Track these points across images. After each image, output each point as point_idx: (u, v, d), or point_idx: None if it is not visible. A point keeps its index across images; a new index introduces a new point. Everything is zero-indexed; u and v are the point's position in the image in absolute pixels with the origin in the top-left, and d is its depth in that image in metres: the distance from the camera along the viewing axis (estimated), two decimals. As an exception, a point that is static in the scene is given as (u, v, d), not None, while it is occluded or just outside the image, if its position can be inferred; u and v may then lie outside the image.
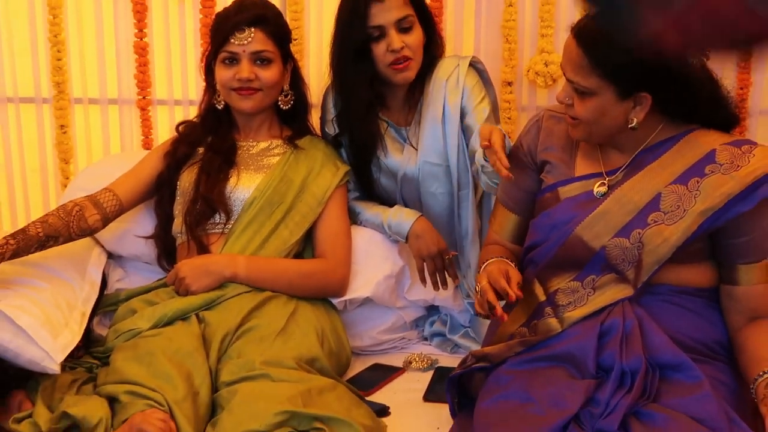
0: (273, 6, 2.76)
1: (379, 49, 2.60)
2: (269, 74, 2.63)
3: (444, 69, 2.76)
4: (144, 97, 3.35)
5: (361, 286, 2.65)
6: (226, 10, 2.70)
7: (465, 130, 2.72)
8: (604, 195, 2.12)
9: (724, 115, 2.13)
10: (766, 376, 1.96)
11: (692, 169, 2.05)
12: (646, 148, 2.12)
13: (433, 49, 2.76)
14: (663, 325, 2.06)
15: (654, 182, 2.08)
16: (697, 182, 2.03)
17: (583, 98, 2.05)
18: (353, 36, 2.63)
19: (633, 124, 2.05)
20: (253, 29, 2.59)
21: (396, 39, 2.59)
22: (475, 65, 2.77)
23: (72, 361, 2.43)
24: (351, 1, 2.64)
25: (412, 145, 2.75)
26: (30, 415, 2.23)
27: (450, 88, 2.72)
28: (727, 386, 2.04)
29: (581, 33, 2.03)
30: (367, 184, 2.80)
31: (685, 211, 2.02)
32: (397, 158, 2.75)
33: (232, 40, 2.58)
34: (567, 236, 2.14)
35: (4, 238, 2.47)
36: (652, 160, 2.10)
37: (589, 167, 2.19)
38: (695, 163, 2.05)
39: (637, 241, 2.06)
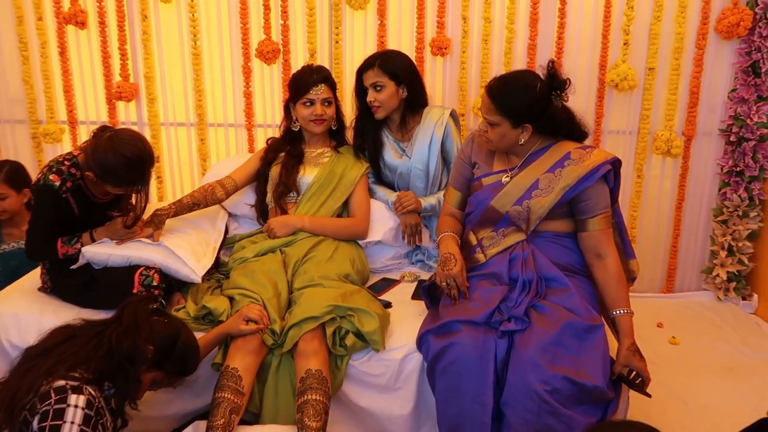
0: (328, 70, 2.78)
1: (367, 99, 2.69)
2: (330, 111, 2.69)
3: (434, 113, 2.75)
4: (249, 122, 3.43)
5: (375, 234, 2.71)
6: (301, 72, 2.70)
7: (444, 153, 2.76)
8: (508, 182, 2.22)
9: (577, 132, 2.23)
10: (617, 314, 2.09)
11: (557, 163, 2.16)
12: (531, 153, 2.21)
13: (419, 98, 2.75)
14: (545, 254, 2.17)
15: (535, 173, 2.18)
16: (560, 171, 2.14)
17: (492, 127, 2.17)
18: (359, 88, 2.72)
19: (521, 142, 2.18)
20: (322, 85, 2.63)
21: (370, 94, 2.66)
22: (453, 114, 2.79)
23: (207, 276, 2.52)
24: (358, 70, 2.71)
25: (406, 155, 2.77)
26: (183, 307, 2.35)
27: (437, 126, 2.72)
28: (584, 290, 2.16)
29: (490, 90, 2.15)
30: (378, 175, 2.83)
31: (553, 188, 2.14)
32: (396, 161, 2.77)
33: (311, 91, 2.62)
34: (486, 206, 2.24)
35: (169, 204, 2.61)
36: (534, 160, 2.20)
37: (500, 166, 2.28)
38: (558, 160, 2.16)
39: (526, 207, 2.17)
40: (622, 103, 3.34)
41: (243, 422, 2.06)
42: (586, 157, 2.15)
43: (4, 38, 3.38)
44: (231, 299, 2.30)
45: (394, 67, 2.65)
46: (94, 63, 3.41)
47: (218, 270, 2.60)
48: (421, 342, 2.13)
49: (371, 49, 3.27)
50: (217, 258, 2.62)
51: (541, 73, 2.15)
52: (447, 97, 3.35)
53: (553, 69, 2.12)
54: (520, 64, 3.28)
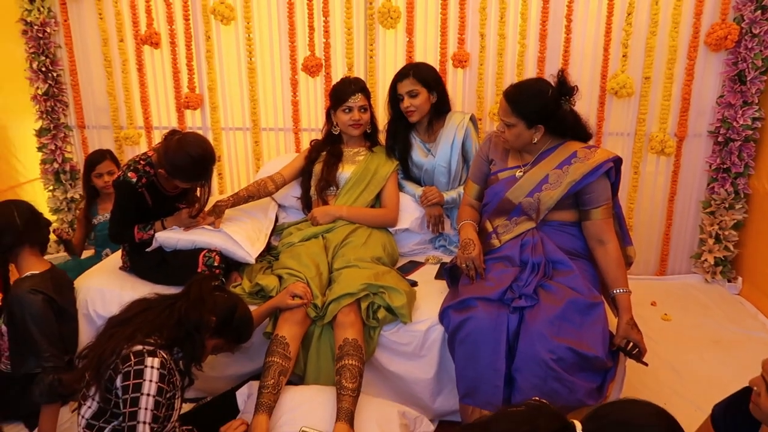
0: (363, 81, 2.74)
1: (402, 105, 2.64)
2: (366, 116, 2.66)
3: (456, 117, 2.71)
4: (295, 127, 3.43)
5: (404, 222, 2.67)
6: (341, 83, 2.68)
7: (464, 152, 2.71)
8: (521, 177, 2.18)
9: (583, 134, 2.18)
10: (617, 292, 2.05)
11: (565, 161, 2.12)
12: (542, 152, 2.17)
13: (444, 104, 2.71)
14: (552, 240, 2.14)
15: (545, 169, 2.14)
16: (567, 167, 2.10)
17: (509, 128, 2.14)
18: (392, 97, 2.67)
19: (534, 141, 2.14)
20: (359, 94, 2.60)
21: (406, 100, 2.62)
22: (472, 118, 2.74)
23: (260, 257, 2.50)
24: (393, 80, 2.66)
25: (431, 154, 2.73)
26: (240, 284, 2.35)
27: (459, 129, 2.68)
28: (587, 272, 2.12)
29: (507, 95, 2.12)
30: (407, 171, 2.78)
31: (561, 182, 2.10)
32: (423, 159, 2.73)
33: (349, 100, 2.60)
34: (501, 198, 2.20)
35: (228, 197, 2.61)
36: (545, 157, 2.16)
37: (514, 162, 2.24)
38: (566, 158, 2.12)
39: (537, 199, 2.13)
40: (620, 108, 3.27)
41: (289, 383, 2.07)
42: (591, 155, 2.10)
43: (92, 57, 3.44)
44: (280, 278, 2.31)
45: (426, 76, 2.62)
46: (166, 77, 3.45)
47: (269, 253, 2.61)
48: (443, 316, 2.12)
49: (401, 62, 3.25)
50: (269, 242, 2.62)
51: (552, 80, 2.11)
52: (466, 104, 3.31)
53: (562, 77, 2.07)
54: (530, 74, 3.22)
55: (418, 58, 3.24)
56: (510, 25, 3.20)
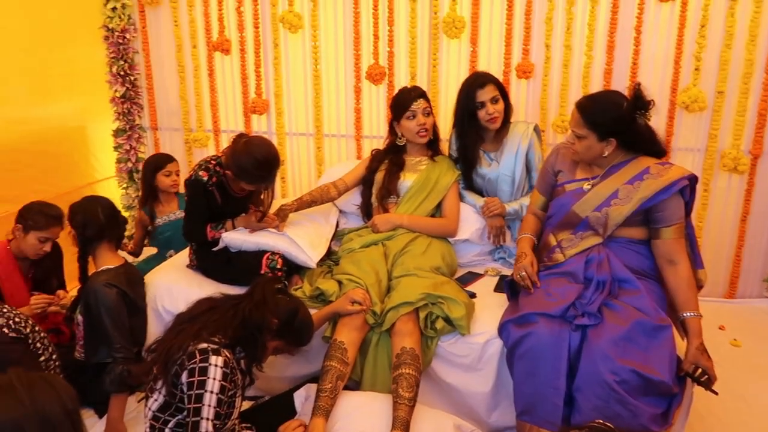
0: (422, 88, 2.69)
1: (481, 113, 2.58)
2: (431, 121, 2.64)
3: (520, 127, 2.67)
4: (357, 134, 3.45)
5: (463, 233, 2.63)
6: (401, 92, 2.66)
7: (527, 162, 2.65)
8: (589, 190, 2.11)
9: (657, 149, 2.09)
10: (687, 316, 1.94)
11: (636, 176, 2.03)
12: (613, 165, 2.09)
13: (510, 113, 2.66)
14: (619, 258, 2.06)
15: (615, 183, 2.06)
16: (639, 183, 2.02)
17: (579, 140, 2.07)
18: (468, 105, 2.59)
19: (605, 154, 2.06)
20: (420, 99, 2.58)
21: (490, 107, 2.56)
22: (536, 128, 2.69)
23: (321, 262, 2.51)
24: (466, 87, 2.59)
25: (496, 162, 2.67)
26: (300, 287, 2.37)
27: (523, 138, 2.63)
28: (654, 292, 2.02)
29: (580, 106, 2.06)
30: (469, 182, 2.73)
31: (631, 198, 2.02)
32: (486, 169, 2.67)
33: (412, 105, 2.57)
34: (567, 210, 2.14)
35: (292, 201, 2.64)
36: (615, 171, 2.08)
37: (582, 174, 2.17)
38: (638, 173, 2.04)
39: (605, 214, 2.06)
40: (691, 123, 3.13)
41: (346, 388, 2.06)
42: (664, 172, 2.01)
43: (167, 62, 3.56)
44: (340, 283, 2.31)
45: (499, 83, 2.60)
46: (235, 82, 3.53)
47: (330, 257, 2.62)
48: (502, 330, 2.07)
49: (464, 72, 3.22)
50: (329, 247, 2.63)
51: (626, 93, 2.03)
52: (529, 115, 3.24)
53: (638, 90, 1.99)
54: (596, 87, 3.13)
55: (482, 68, 3.19)
56: (576, 36, 3.12)
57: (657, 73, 3.10)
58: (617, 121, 2.01)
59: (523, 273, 2.11)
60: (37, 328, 2.10)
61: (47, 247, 2.43)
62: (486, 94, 2.56)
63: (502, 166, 2.67)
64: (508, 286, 2.23)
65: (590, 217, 2.11)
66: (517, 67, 3.18)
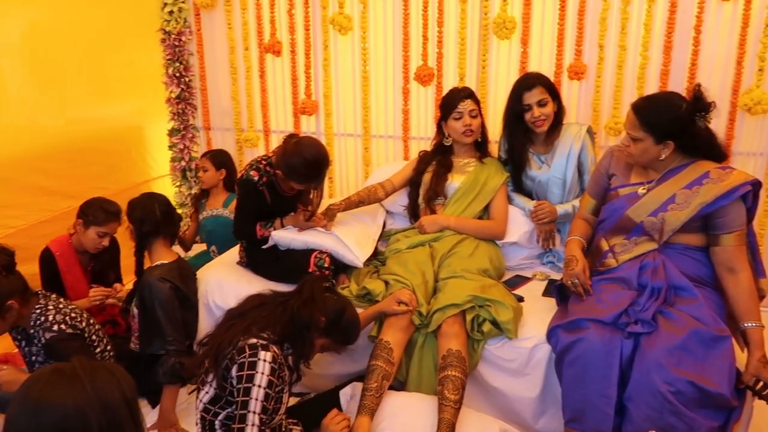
0: (471, 88, 2.69)
1: (527, 116, 2.54)
2: (478, 122, 2.61)
3: (572, 129, 2.62)
4: (405, 135, 3.43)
5: (511, 236, 2.60)
6: (449, 92, 2.65)
7: (579, 165, 2.60)
8: (644, 194, 2.05)
9: (717, 153, 2.02)
10: (748, 326, 1.87)
11: (695, 180, 1.97)
12: (670, 169, 2.03)
13: (561, 115, 2.61)
14: (676, 265, 1.99)
15: (672, 188, 2.00)
16: (698, 188, 1.95)
17: (634, 142, 2.01)
18: (516, 107, 2.56)
19: (662, 158, 2.00)
20: (468, 100, 2.56)
21: (536, 110, 2.53)
22: (589, 130, 2.64)
23: (368, 262, 2.53)
24: (515, 88, 2.57)
25: (546, 165, 2.63)
26: (347, 287, 2.39)
27: (575, 140, 2.58)
28: (713, 301, 1.96)
29: (637, 107, 2.00)
30: (518, 183, 2.70)
31: (689, 203, 1.95)
32: (536, 171, 2.63)
33: (459, 106, 2.56)
34: (621, 215, 2.08)
35: (340, 201, 2.65)
36: (673, 176, 2.02)
37: (637, 178, 2.12)
38: (697, 178, 1.97)
39: (661, 219, 2.00)
40: (753, 126, 2.98)
41: (392, 388, 2.07)
42: (725, 177, 1.94)
43: (220, 64, 3.64)
44: (386, 283, 2.32)
45: (550, 85, 2.55)
46: (285, 84, 3.57)
47: (376, 258, 2.63)
48: (551, 335, 2.03)
49: (514, 73, 3.17)
50: (376, 248, 2.64)
51: (685, 94, 1.96)
52: (581, 117, 3.15)
53: (699, 92, 1.92)
54: (652, 88, 3.03)
55: (532, 69, 3.13)
56: (632, 36, 3.02)
57: (717, 74, 2.98)
58: (675, 123, 1.94)
59: (576, 280, 2.06)
60: (92, 321, 2.19)
61: (106, 242, 2.52)
62: (532, 96, 2.52)
63: (553, 168, 2.62)
64: (557, 290, 2.19)
65: (645, 222, 2.04)
66: (569, 68, 3.11)
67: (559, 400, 1.99)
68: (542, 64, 3.15)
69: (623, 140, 2.09)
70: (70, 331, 2.04)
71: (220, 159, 3.20)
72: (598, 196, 2.27)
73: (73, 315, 2.08)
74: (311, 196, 2.53)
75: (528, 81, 2.55)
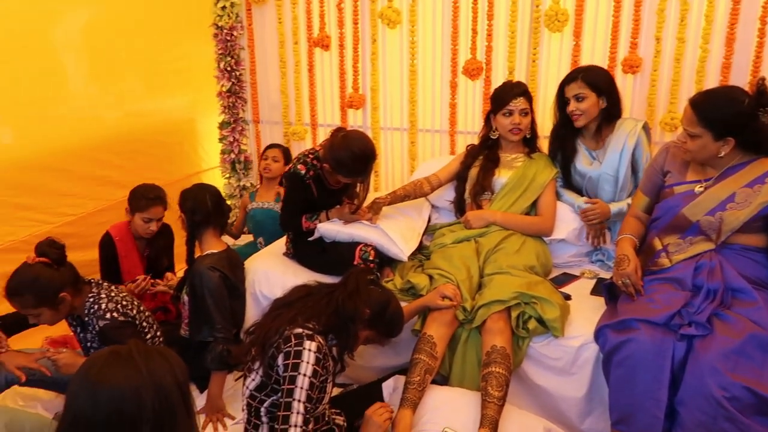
0: (526, 85, 2.66)
1: (568, 109, 2.51)
2: (527, 121, 2.59)
3: (627, 124, 2.54)
4: (452, 129, 3.42)
5: (559, 233, 2.56)
6: (503, 86, 2.62)
7: (633, 162, 2.52)
8: (701, 192, 1.99)
9: None
10: None
11: (757, 179, 1.90)
12: (730, 167, 1.96)
13: (615, 110, 2.53)
14: (733, 266, 1.92)
15: (732, 186, 1.93)
16: (760, 187, 1.89)
17: (692, 138, 1.95)
18: (560, 100, 2.55)
19: (721, 155, 1.93)
20: (521, 98, 2.54)
21: (572, 104, 2.49)
22: (645, 126, 2.55)
23: (412, 256, 2.51)
24: (561, 82, 2.55)
25: (597, 161, 2.58)
26: (391, 280, 2.40)
27: (630, 136, 2.50)
28: None
29: (695, 102, 1.93)
30: (568, 179, 2.65)
31: (750, 202, 1.89)
32: (587, 167, 2.58)
33: (510, 103, 2.54)
34: (676, 213, 2.02)
35: (386, 195, 2.66)
36: (733, 173, 1.95)
37: (694, 176, 2.05)
38: (759, 176, 1.91)
39: (719, 218, 1.93)
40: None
41: (434, 382, 2.06)
42: None
43: (270, 58, 3.70)
44: (430, 277, 2.31)
45: (595, 79, 2.47)
46: (333, 77, 3.60)
47: (421, 252, 2.62)
48: (599, 334, 1.98)
49: (565, 67, 3.10)
50: (421, 242, 2.64)
51: (749, 89, 1.88)
52: (635, 112, 3.05)
53: (763, 86, 1.84)
54: (712, 83, 2.91)
55: (585, 62, 3.06)
56: (691, 28, 2.91)
57: (783, 67, 2.84)
58: (736, 119, 1.87)
59: (627, 280, 2.01)
60: (142, 308, 2.26)
61: (153, 227, 2.64)
62: (571, 90, 2.49)
63: (604, 165, 2.55)
64: (606, 289, 2.15)
65: (702, 222, 1.98)
66: (624, 62, 3.02)
67: (605, 400, 1.94)
68: (595, 57, 3.08)
69: (680, 136, 2.02)
70: (122, 318, 2.11)
71: (289, 155, 3.28)
72: (652, 194, 2.20)
73: (124, 303, 2.16)
74: (357, 189, 2.55)
75: (570, 74, 2.52)
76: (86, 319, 2.12)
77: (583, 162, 2.61)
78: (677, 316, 1.86)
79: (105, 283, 2.21)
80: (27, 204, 2.79)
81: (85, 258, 2.73)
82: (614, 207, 2.52)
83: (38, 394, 2.32)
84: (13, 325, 2.10)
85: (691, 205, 2.00)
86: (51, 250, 2.03)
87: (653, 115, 3.03)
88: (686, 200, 2.02)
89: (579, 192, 2.66)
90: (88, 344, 2.18)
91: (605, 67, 3.00)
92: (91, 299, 2.11)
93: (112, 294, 2.16)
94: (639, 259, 2.09)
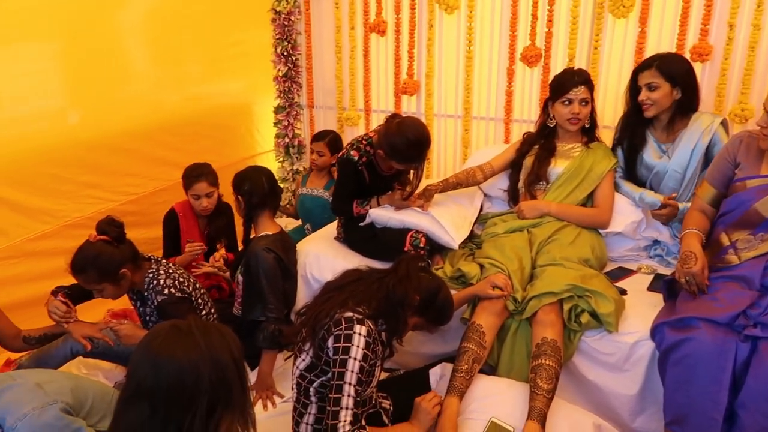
0: (588, 73, 2.56)
1: (640, 97, 2.42)
2: (586, 111, 2.52)
3: (704, 119, 2.42)
4: (507, 117, 3.36)
5: (617, 225, 2.49)
6: (564, 73, 2.56)
7: (707, 161, 2.37)
8: None
9: None
10: None
11: None
12: None
13: (691, 102, 2.43)
14: None
15: None
16: None
17: None
18: (632, 87, 2.46)
19: None
20: (582, 86, 2.47)
21: (643, 93, 2.40)
22: (724, 123, 2.42)
23: (463, 244, 2.52)
24: (635, 69, 2.47)
25: (666, 155, 2.48)
26: (441, 268, 2.39)
27: (705, 133, 2.38)
28: None
29: None
30: (631, 170, 2.56)
31: None
32: (654, 160, 2.49)
33: (571, 92, 2.48)
34: (747, 208, 1.93)
35: (438, 182, 2.65)
36: None
37: None
38: None
39: None
40: None
41: (482, 371, 2.06)
42: None
43: (326, 43, 3.73)
44: (481, 266, 2.30)
45: (670, 69, 2.37)
46: (388, 63, 3.60)
47: (472, 240, 2.61)
48: (656, 331, 1.93)
49: (629, 54, 3.00)
50: (472, 230, 2.62)
51: None
52: (703, 102, 2.88)
53: None
54: (789, 71, 2.76)
55: (650, 49, 2.95)
56: (768, 14, 2.76)
57: None
58: None
59: (691, 278, 1.93)
60: (197, 286, 2.34)
61: (204, 203, 2.75)
62: (643, 78, 2.40)
63: (673, 160, 2.46)
64: (666, 286, 2.08)
65: (774, 217, 1.88)
66: (692, 50, 2.88)
67: (659, 399, 1.90)
68: (661, 45, 2.95)
69: (760, 121, 1.90)
70: (179, 294, 2.19)
71: (335, 144, 3.28)
72: (721, 186, 2.11)
73: (181, 279, 2.24)
74: (410, 176, 2.55)
75: (645, 61, 2.42)
76: (146, 293, 2.22)
77: (651, 154, 2.52)
78: (742, 317, 1.78)
79: (163, 260, 2.30)
80: (92, 182, 2.92)
81: (145, 236, 2.85)
82: (682, 206, 2.41)
83: (100, 364, 2.45)
84: (80, 295, 2.21)
85: (765, 199, 1.91)
86: (111, 229, 2.12)
87: (722, 105, 2.88)
88: (760, 194, 1.93)
89: (642, 185, 2.57)
90: (147, 318, 2.28)
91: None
92: (151, 275, 2.20)
93: (170, 271, 2.24)
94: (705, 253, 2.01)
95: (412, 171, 2.51)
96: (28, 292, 2.56)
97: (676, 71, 2.37)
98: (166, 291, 2.17)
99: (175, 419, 1.13)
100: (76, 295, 2.20)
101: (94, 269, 2.05)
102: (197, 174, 2.75)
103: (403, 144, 2.31)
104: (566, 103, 2.50)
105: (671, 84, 2.37)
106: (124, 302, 2.48)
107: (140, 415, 1.14)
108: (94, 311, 2.57)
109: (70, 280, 2.11)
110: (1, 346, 2.09)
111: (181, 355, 1.14)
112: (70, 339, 2.17)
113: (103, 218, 2.16)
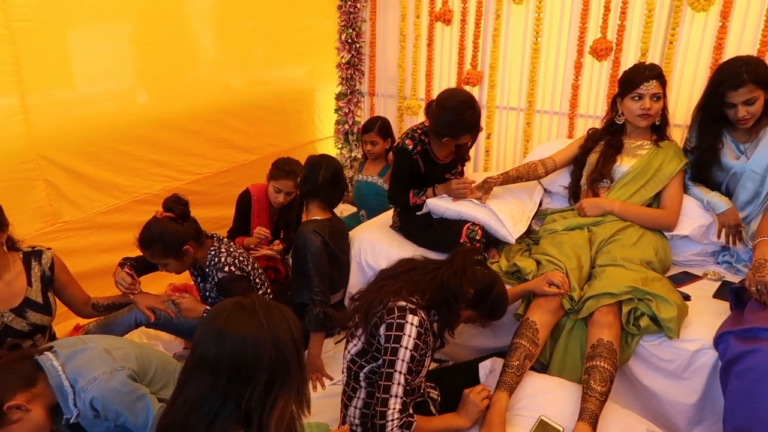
0: (660, 68, 2.45)
1: (730, 113, 2.30)
2: (658, 107, 2.43)
3: None
4: (572, 112, 3.31)
5: (683, 228, 2.41)
6: (634, 68, 2.46)
7: None
8: None
9: None
10: None
11: None
12: None
13: None
14: None
15: None
16: None
17: None
18: (714, 103, 2.32)
19: None
20: (654, 81, 2.38)
21: (740, 110, 2.26)
22: None
23: (520, 239, 2.50)
24: (716, 86, 2.29)
25: (745, 156, 2.37)
26: (497, 262, 2.38)
27: None
28: None
29: None
30: (705, 172, 2.45)
31: None
32: (732, 161, 2.38)
33: (641, 86, 2.39)
34: None
35: (498, 175, 2.62)
36: None
37: None
38: None
39: None
40: None
41: (533, 369, 2.04)
42: None
43: (390, 31, 3.75)
44: (538, 263, 2.28)
45: (761, 75, 2.24)
46: (452, 53, 3.59)
47: (529, 236, 2.58)
48: (720, 341, 1.87)
49: (706, 50, 2.88)
50: (530, 225, 2.60)
51: None
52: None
53: None
54: None
55: (731, 46, 2.83)
56: None
57: None
58: None
59: (763, 288, 1.85)
60: (256, 266, 2.42)
61: (281, 198, 2.77)
62: (739, 96, 2.24)
63: (752, 160, 2.35)
64: (733, 294, 2.01)
65: None
66: (778, 46, 2.75)
67: (718, 411, 1.84)
68: (743, 41, 2.83)
69: None
70: (238, 273, 2.28)
71: (385, 130, 3.30)
72: None
73: (241, 259, 2.32)
74: (465, 152, 2.53)
75: (733, 77, 2.24)
76: (207, 270, 2.31)
77: (728, 155, 2.42)
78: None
79: (225, 239, 2.38)
80: (160, 161, 3.04)
81: (208, 215, 2.96)
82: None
83: (160, 335, 2.57)
84: (145, 267, 2.32)
85: None
86: (176, 206, 2.21)
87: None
88: None
89: (717, 188, 2.47)
90: (207, 293, 2.38)
91: (755, 52, 2.77)
92: (212, 252, 2.29)
93: (231, 249, 2.32)
94: None
95: (469, 140, 2.47)
96: (99, 262, 2.70)
97: (764, 76, 2.24)
98: (226, 268, 2.26)
99: (234, 393, 1.19)
100: (141, 267, 2.30)
101: (160, 245, 2.15)
102: (288, 170, 2.74)
103: (445, 115, 2.34)
104: (636, 98, 2.42)
105: (764, 91, 2.26)
106: (184, 278, 2.59)
107: (202, 387, 1.20)
108: (157, 284, 2.68)
109: (137, 252, 2.22)
110: (72, 311, 2.21)
111: (244, 331, 1.19)
112: (135, 309, 2.28)
113: (170, 196, 2.26)
